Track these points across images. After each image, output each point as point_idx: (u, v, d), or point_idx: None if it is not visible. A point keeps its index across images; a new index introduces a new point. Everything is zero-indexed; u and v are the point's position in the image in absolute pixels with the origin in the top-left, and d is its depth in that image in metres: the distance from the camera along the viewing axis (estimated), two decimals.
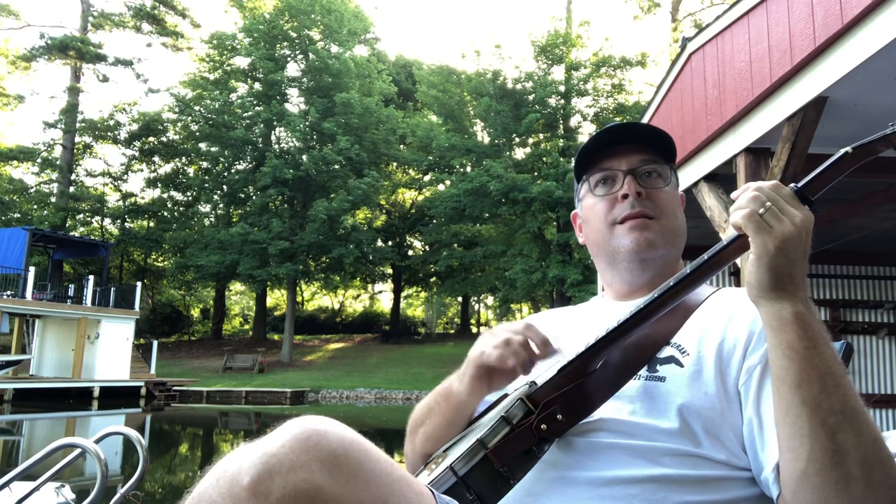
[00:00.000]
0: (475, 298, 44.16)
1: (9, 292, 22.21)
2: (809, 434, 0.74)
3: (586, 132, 31.16)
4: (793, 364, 0.76)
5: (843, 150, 0.82)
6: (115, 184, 37.91)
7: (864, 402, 0.77)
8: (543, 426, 0.89)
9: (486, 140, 31.12)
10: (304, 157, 31.34)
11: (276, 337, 38.12)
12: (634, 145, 1.09)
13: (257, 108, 32.99)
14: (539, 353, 0.96)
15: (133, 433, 2.46)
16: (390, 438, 12.71)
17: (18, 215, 33.23)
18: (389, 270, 39.29)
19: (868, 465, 0.73)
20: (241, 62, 35.09)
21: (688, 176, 6.03)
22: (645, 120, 7.00)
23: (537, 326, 1.23)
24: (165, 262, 37.42)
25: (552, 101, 29.98)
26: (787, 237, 0.77)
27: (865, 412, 0.76)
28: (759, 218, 0.79)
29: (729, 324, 0.96)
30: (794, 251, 0.78)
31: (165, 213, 36.46)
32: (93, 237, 32.42)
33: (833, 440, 0.73)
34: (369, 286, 46.37)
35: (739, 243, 0.84)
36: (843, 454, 0.73)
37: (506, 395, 1.00)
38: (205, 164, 35.99)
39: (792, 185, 0.82)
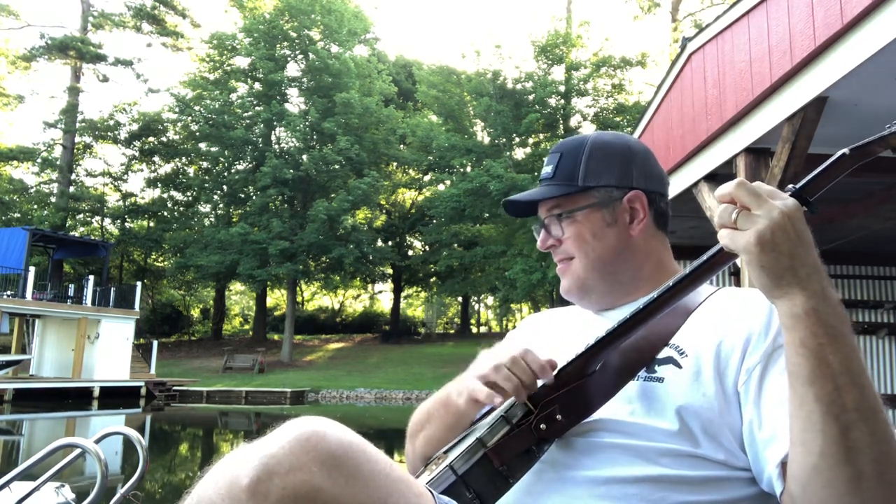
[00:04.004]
0: (475, 298, 44.17)
1: (9, 292, 22.22)
2: (822, 429, 0.73)
3: (586, 132, 31.09)
4: (806, 361, 0.74)
5: (840, 152, 0.82)
6: (115, 184, 37.93)
7: (882, 401, 0.75)
8: (543, 426, 0.89)
9: (486, 140, 31.10)
10: (304, 157, 31.33)
11: (276, 337, 38.10)
12: (540, 199, 1.10)
13: (257, 108, 32.99)
14: (536, 379, 0.93)
15: (133, 433, 2.46)
16: (390, 438, 12.71)
17: (18, 215, 33.24)
18: (389, 270, 39.25)
19: (881, 463, 0.72)
20: (241, 62, 35.10)
21: (688, 176, 6.03)
22: (645, 120, 7.00)
23: (538, 325, 1.22)
24: (165, 262, 37.42)
25: (552, 101, 29.97)
26: (763, 233, 0.74)
27: (882, 410, 0.74)
28: (732, 230, 0.77)
29: (727, 324, 0.95)
30: (782, 244, 0.74)
31: (165, 213, 36.46)
32: (93, 237, 32.44)
33: (846, 437, 0.72)
34: (369, 286, 46.34)
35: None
36: (856, 451, 0.72)
37: None
38: (205, 164, 36.00)
39: (790, 186, 0.81)
